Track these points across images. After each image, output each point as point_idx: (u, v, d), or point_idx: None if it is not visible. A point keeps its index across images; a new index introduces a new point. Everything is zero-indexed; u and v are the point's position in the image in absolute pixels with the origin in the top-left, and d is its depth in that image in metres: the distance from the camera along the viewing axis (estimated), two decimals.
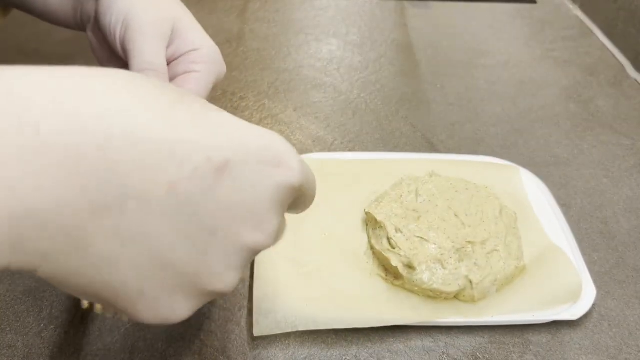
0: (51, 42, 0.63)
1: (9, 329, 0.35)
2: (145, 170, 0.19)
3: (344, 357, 0.35)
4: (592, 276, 0.39)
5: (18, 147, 0.17)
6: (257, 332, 0.35)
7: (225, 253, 0.21)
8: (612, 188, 0.49)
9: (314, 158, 0.47)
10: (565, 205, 0.46)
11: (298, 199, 0.25)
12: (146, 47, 0.33)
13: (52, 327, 0.35)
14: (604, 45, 0.70)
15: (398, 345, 0.36)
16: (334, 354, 0.35)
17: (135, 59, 0.33)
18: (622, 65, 0.66)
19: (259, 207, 0.22)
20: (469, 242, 0.38)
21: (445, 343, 0.36)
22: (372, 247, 0.40)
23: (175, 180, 0.19)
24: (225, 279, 0.22)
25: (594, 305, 0.38)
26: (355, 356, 0.35)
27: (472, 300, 0.37)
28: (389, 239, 0.39)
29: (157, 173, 0.19)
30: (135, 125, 0.19)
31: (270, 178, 0.22)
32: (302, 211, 0.28)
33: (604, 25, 0.72)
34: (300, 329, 0.35)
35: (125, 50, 0.34)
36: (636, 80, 0.64)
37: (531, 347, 0.36)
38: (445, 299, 0.37)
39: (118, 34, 0.34)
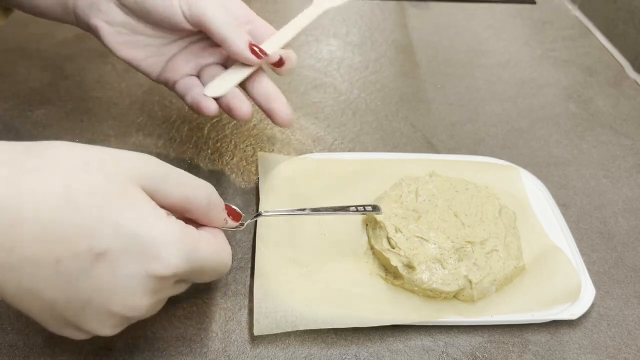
0: (52, 43, 0.63)
1: (10, 328, 0.35)
2: (41, 246, 0.25)
3: (343, 357, 0.35)
4: (591, 276, 0.40)
5: None
6: (257, 331, 0.35)
7: (97, 315, 0.27)
8: (612, 188, 0.49)
9: (314, 158, 0.47)
10: (565, 205, 0.47)
11: (189, 279, 0.30)
12: (222, 14, 0.38)
13: None
14: (603, 45, 0.70)
15: (398, 344, 0.36)
16: (334, 353, 0.35)
17: (220, 23, 0.38)
18: (622, 66, 0.66)
19: (129, 291, 0.27)
20: (469, 242, 0.38)
21: (445, 342, 0.36)
22: (372, 247, 0.40)
23: (61, 258, 0.25)
24: (101, 330, 0.28)
25: (593, 305, 0.38)
26: (355, 355, 0.35)
27: (472, 300, 0.37)
28: (388, 239, 0.39)
29: (49, 249, 0.25)
30: (44, 210, 0.25)
31: (142, 269, 0.26)
32: (208, 281, 0.32)
33: (604, 26, 0.72)
34: (300, 328, 0.35)
35: (199, 20, 0.38)
36: (635, 81, 0.64)
37: (530, 346, 0.36)
38: (445, 298, 0.37)
39: (177, 3, 0.37)
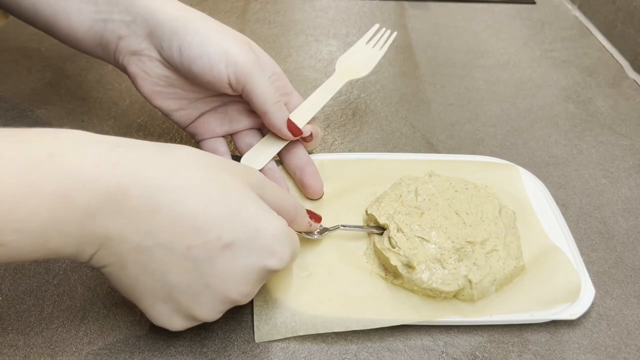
0: (52, 43, 0.63)
1: (10, 328, 0.35)
2: (175, 233, 0.28)
3: (343, 356, 0.35)
4: (590, 276, 0.40)
5: (111, 197, 0.27)
6: (258, 338, 0.35)
7: (211, 300, 0.30)
8: (611, 188, 0.49)
9: (314, 158, 0.47)
10: (564, 205, 0.47)
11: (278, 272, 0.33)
12: (267, 87, 0.40)
13: (53, 326, 0.35)
14: (602, 45, 0.71)
15: (397, 344, 0.36)
16: (334, 352, 0.35)
17: (265, 97, 0.40)
18: (621, 66, 0.66)
19: (246, 279, 0.30)
20: (469, 242, 0.38)
21: (445, 342, 0.36)
22: (374, 245, 0.40)
23: (191, 245, 0.28)
24: (208, 315, 0.31)
25: (592, 304, 0.38)
26: (355, 355, 0.35)
27: (472, 300, 0.37)
28: (389, 238, 0.39)
29: (182, 237, 0.28)
30: (178, 203, 0.28)
31: (260, 262, 0.30)
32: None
33: (603, 26, 0.73)
34: (301, 333, 0.35)
35: (244, 88, 0.40)
36: (635, 81, 0.64)
37: (530, 346, 0.36)
38: (445, 298, 0.37)
39: (225, 71, 0.39)
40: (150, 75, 0.40)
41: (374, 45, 0.51)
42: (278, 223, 0.31)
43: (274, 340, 0.35)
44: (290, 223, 0.34)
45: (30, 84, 0.57)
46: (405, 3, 0.78)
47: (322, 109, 0.56)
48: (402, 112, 0.57)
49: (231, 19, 0.71)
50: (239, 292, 0.30)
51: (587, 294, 0.38)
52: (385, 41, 0.51)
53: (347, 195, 0.44)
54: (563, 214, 0.44)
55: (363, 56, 0.50)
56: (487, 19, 0.75)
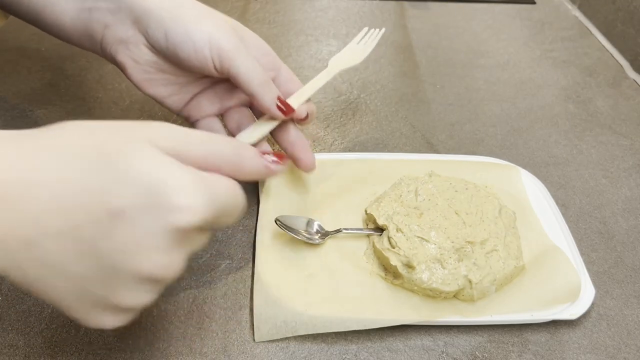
0: (52, 42, 0.63)
1: (10, 328, 0.35)
2: (58, 215, 0.24)
3: (343, 356, 0.35)
4: (590, 276, 0.40)
5: None
6: (258, 337, 0.35)
7: (126, 281, 0.26)
8: (611, 188, 0.49)
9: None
10: (564, 205, 0.47)
11: (214, 226, 0.28)
12: (251, 69, 0.39)
13: (53, 326, 0.35)
14: (602, 45, 0.71)
15: (397, 344, 0.36)
16: (334, 352, 0.35)
17: (249, 78, 0.39)
18: (621, 66, 0.66)
19: (154, 246, 0.25)
20: (469, 242, 0.38)
21: (445, 342, 0.36)
22: (373, 246, 0.40)
23: (79, 224, 0.24)
24: (132, 300, 0.26)
25: (592, 304, 0.38)
26: (355, 355, 0.35)
27: (472, 300, 0.37)
28: (389, 238, 0.39)
29: (67, 217, 0.24)
30: (56, 179, 0.24)
31: (163, 221, 0.25)
32: (225, 227, 0.32)
33: (603, 26, 0.73)
34: (301, 333, 0.35)
35: (228, 72, 0.39)
36: (635, 81, 0.64)
37: (530, 346, 0.36)
38: (445, 298, 0.37)
39: (209, 55, 0.38)
40: (139, 62, 0.40)
41: (366, 42, 0.51)
42: (180, 173, 0.26)
43: (274, 340, 0.35)
44: (236, 173, 0.30)
45: (30, 84, 0.57)
46: (405, 3, 0.78)
47: (322, 109, 0.56)
48: (402, 112, 0.57)
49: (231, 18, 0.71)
50: (153, 262, 0.26)
51: (587, 294, 0.38)
52: (376, 35, 0.51)
53: (347, 195, 0.44)
54: (563, 214, 0.44)
55: (354, 51, 0.50)
56: (487, 19, 0.75)
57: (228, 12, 0.72)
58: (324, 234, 0.40)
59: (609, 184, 0.49)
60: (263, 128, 0.43)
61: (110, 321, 0.27)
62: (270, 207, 0.42)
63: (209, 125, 0.44)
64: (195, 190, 0.26)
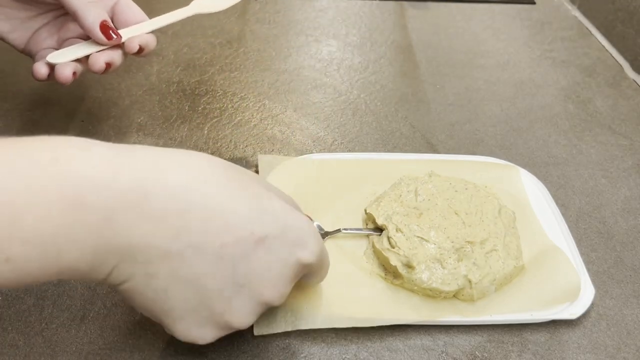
0: None
1: (10, 328, 0.35)
2: (206, 232, 0.26)
3: (343, 356, 0.35)
4: (590, 276, 0.40)
5: (130, 201, 0.24)
6: (257, 331, 0.35)
7: (247, 302, 0.28)
8: (610, 188, 0.49)
9: (314, 158, 0.47)
10: (564, 205, 0.47)
11: (310, 273, 0.32)
12: None
13: (53, 326, 0.35)
14: (602, 45, 0.71)
15: (397, 344, 0.36)
16: (334, 352, 0.35)
17: (84, 19, 0.38)
18: (621, 66, 0.66)
19: (280, 275, 0.29)
20: (468, 241, 0.38)
21: (444, 342, 0.36)
22: (373, 246, 0.40)
23: (225, 243, 0.27)
24: (242, 321, 0.29)
25: (592, 304, 0.38)
26: (355, 355, 0.35)
27: (471, 300, 0.37)
28: (389, 238, 0.39)
29: (214, 235, 0.26)
30: (209, 199, 0.26)
31: (294, 255, 0.29)
32: (315, 284, 0.36)
33: (603, 26, 0.73)
34: (300, 327, 0.35)
35: None
36: (634, 81, 0.64)
37: (529, 346, 0.36)
38: (445, 298, 0.37)
39: None
40: None
41: None
42: (303, 217, 0.30)
43: (274, 340, 0.35)
44: None
45: (30, 84, 0.57)
46: (405, 3, 0.78)
47: (322, 109, 0.57)
48: (402, 112, 0.57)
49: (231, 19, 0.71)
50: (275, 289, 0.29)
51: (586, 294, 0.38)
52: None
53: (347, 195, 0.44)
54: (563, 214, 0.44)
55: None
56: (487, 19, 0.76)
57: (228, 12, 0.72)
58: (323, 234, 0.40)
59: (608, 184, 0.49)
60: (82, 50, 0.40)
61: (209, 337, 0.29)
62: None
63: (45, 54, 0.42)
64: (316, 237, 0.30)
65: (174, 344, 0.35)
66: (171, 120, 0.53)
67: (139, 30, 0.42)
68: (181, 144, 0.51)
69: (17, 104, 0.54)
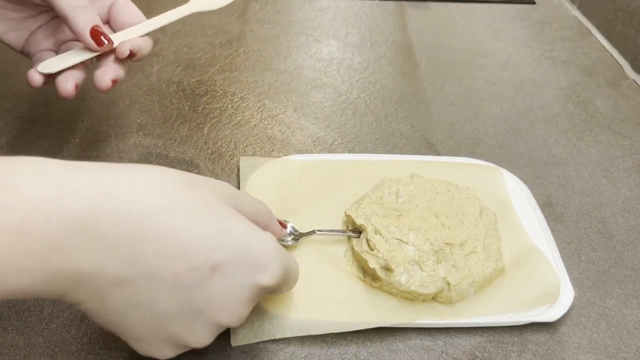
0: None
1: (10, 328, 0.35)
2: (161, 260, 0.26)
3: (343, 356, 0.35)
4: (590, 275, 0.40)
5: (81, 228, 0.24)
6: (234, 342, 0.35)
7: (204, 326, 0.28)
8: (610, 188, 0.49)
9: (296, 160, 0.47)
10: (564, 205, 0.47)
11: (274, 290, 0.32)
12: None
13: (53, 326, 0.35)
14: (602, 45, 0.71)
15: (397, 344, 0.36)
16: (334, 352, 0.35)
17: (63, 2, 0.37)
18: (621, 66, 0.66)
19: (238, 300, 0.28)
20: (447, 243, 0.38)
21: (444, 342, 0.36)
22: (352, 248, 0.40)
23: (179, 271, 0.26)
24: (200, 342, 0.29)
25: (592, 304, 0.38)
26: (355, 355, 0.35)
27: (450, 302, 0.37)
28: (367, 241, 0.39)
29: (169, 263, 0.26)
30: (163, 225, 0.26)
31: (252, 280, 0.28)
32: (281, 294, 0.35)
33: (603, 26, 0.73)
34: (278, 336, 0.35)
35: None
36: (634, 81, 0.64)
37: (529, 345, 0.36)
38: (424, 300, 0.37)
39: None
40: None
41: None
42: (265, 238, 0.29)
43: (274, 341, 0.35)
44: (264, 229, 0.32)
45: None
46: (405, 3, 0.78)
47: (322, 109, 0.57)
48: (402, 112, 0.57)
49: (231, 19, 0.71)
50: (233, 313, 0.28)
51: (566, 296, 0.38)
52: None
53: (329, 197, 0.44)
54: (563, 213, 0.44)
55: None
56: (486, 19, 0.76)
57: (228, 12, 0.72)
58: (298, 236, 0.40)
59: (608, 184, 0.49)
60: (73, 57, 0.39)
61: (168, 354, 0.29)
62: None
63: (43, 57, 0.41)
64: (277, 256, 0.29)
65: None
66: (171, 120, 0.53)
67: (133, 33, 0.41)
68: (181, 144, 0.51)
69: (17, 104, 0.54)
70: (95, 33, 0.38)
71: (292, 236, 0.40)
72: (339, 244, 0.41)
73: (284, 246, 0.40)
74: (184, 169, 0.48)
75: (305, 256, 0.40)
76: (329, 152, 0.51)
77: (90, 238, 0.24)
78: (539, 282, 0.38)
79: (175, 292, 0.26)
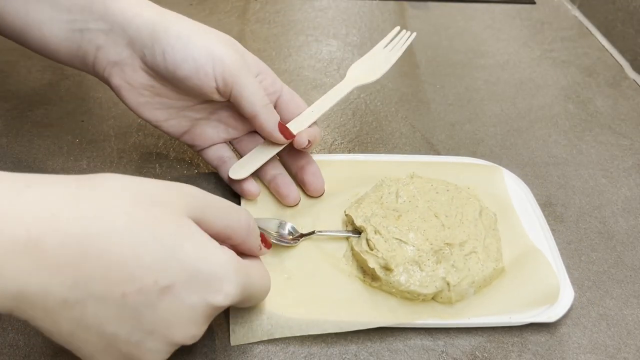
0: None
1: (10, 328, 0.35)
2: (107, 282, 0.25)
3: (343, 356, 0.35)
4: (591, 275, 0.40)
5: (20, 249, 0.23)
6: (234, 341, 0.35)
7: (156, 345, 0.28)
8: (611, 188, 0.49)
9: None
10: (564, 205, 0.47)
11: (238, 304, 0.31)
12: (255, 89, 0.38)
13: None
14: (602, 45, 0.71)
15: (397, 344, 0.36)
16: (334, 352, 0.35)
17: (254, 100, 0.39)
18: (621, 66, 0.66)
19: (191, 320, 0.28)
20: (447, 244, 0.38)
21: (445, 342, 0.36)
22: (352, 248, 0.40)
23: (127, 292, 0.25)
24: (153, 359, 0.28)
25: (592, 304, 0.38)
26: (355, 355, 0.35)
27: (450, 302, 0.37)
28: (367, 241, 0.39)
29: (115, 285, 0.25)
30: (109, 246, 0.25)
31: (204, 300, 0.27)
32: (248, 306, 0.35)
33: (603, 26, 0.73)
34: (277, 336, 0.35)
35: (232, 91, 0.38)
36: (634, 81, 0.64)
37: (530, 346, 0.36)
38: (423, 300, 0.37)
39: (212, 73, 0.37)
40: (134, 86, 0.39)
41: (392, 49, 0.47)
42: (220, 257, 0.28)
43: (274, 340, 0.35)
44: (241, 245, 0.32)
45: (30, 84, 0.57)
46: (405, 3, 0.78)
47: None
48: (402, 112, 0.57)
49: (231, 19, 0.71)
50: (185, 333, 0.28)
51: (566, 296, 0.37)
52: (404, 43, 0.47)
53: (327, 197, 0.44)
54: (563, 213, 0.44)
55: (376, 60, 0.46)
56: (486, 19, 0.76)
57: (228, 12, 0.72)
58: (298, 236, 0.40)
59: (608, 183, 0.49)
60: (258, 158, 0.42)
61: None
62: (251, 209, 0.42)
63: (219, 153, 0.44)
64: (233, 275, 0.28)
65: None
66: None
67: (305, 121, 0.42)
68: (181, 144, 0.51)
69: (17, 104, 0.54)
70: (283, 128, 0.40)
71: (292, 236, 0.40)
72: (339, 244, 0.41)
73: (285, 247, 0.40)
74: (184, 169, 0.48)
75: (304, 256, 0.40)
76: (329, 152, 0.51)
77: (30, 260, 0.23)
78: (539, 282, 0.38)
79: (125, 314, 0.26)
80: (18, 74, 0.58)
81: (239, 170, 0.42)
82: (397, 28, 0.48)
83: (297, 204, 0.43)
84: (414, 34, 0.47)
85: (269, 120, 0.39)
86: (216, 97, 0.39)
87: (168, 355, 0.29)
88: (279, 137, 0.40)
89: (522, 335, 0.37)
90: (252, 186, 0.43)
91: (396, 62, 0.47)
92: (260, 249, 0.34)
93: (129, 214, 0.26)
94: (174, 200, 0.28)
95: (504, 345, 0.36)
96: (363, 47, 0.68)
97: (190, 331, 0.28)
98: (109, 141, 0.50)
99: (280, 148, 0.42)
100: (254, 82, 0.39)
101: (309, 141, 0.41)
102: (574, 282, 0.39)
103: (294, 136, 0.41)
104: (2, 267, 0.23)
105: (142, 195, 0.27)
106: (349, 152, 0.51)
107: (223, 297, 0.28)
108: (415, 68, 0.64)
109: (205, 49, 0.37)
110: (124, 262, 0.25)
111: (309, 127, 0.42)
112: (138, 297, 0.26)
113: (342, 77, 0.62)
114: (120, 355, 0.27)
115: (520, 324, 0.37)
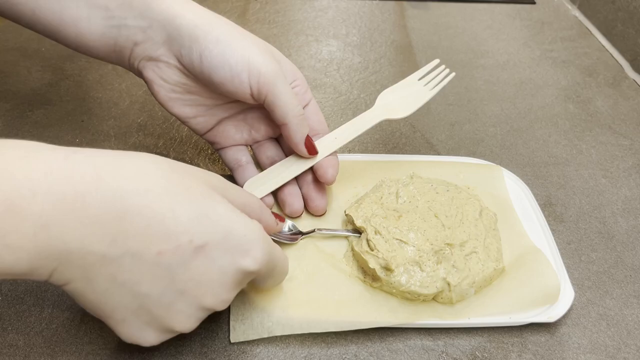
0: (52, 43, 0.63)
1: (10, 328, 0.35)
2: (144, 239, 0.26)
3: (343, 356, 0.35)
4: (590, 275, 0.40)
5: (67, 207, 0.25)
6: (233, 338, 0.35)
7: (187, 308, 0.29)
8: (611, 188, 0.49)
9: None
10: (564, 205, 0.47)
11: (260, 279, 0.32)
12: (290, 99, 0.38)
13: (53, 326, 0.35)
14: (602, 45, 0.71)
15: (397, 344, 0.36)
16: (334, 352, 0.35)
17: (286, 109, 0.38)
18: (621, 66, 0.66)
19: (221, 282, 0.29)
20: (448, 244, 0.38)
21: (445, 342, 0.36)
22: (352, 249, 0.40)
23: (162, 251, 0.27)
24: (184, 326, 0.29)
25: (592, 304, 0.38)
26: (355, 355, 0.35)
27: (450, 302, 0.37)
28: (368, 241, 0.39)
29: (152, 242, 0.26)
30: (147, 205, 0.26)
31: (235, 263, 0.29)
32: (270, 288, 0.36)
33: (603, 26, 0.73)
34: (277, 334, 0.35)
35: (266, 99, 0.38)
36: (634, 81, 0.64)
37: (530, 346, 0.36)
38: (424, 301, 0.37)
39: (247, 81, 0.37)
40: (167, 82, 0.39)
41: (426, 84, 0.45)
42: (249, 223, 0.29)
43: (275, 340, 0.35)
44: (258, 221, 0.33)
45: (30, 84, 0.57)
46: (405, 3, 0.78)
47: (322, 109, 0.56)
48: None
49: (231, 19, 0.70)
50: (215, 296, 0.29)
51: (566, 296, 0.37)
52: (441, 80, 0.45)
53: (329, 197, 0.44)
54: (563, 214, 0.44)
55: (409, 93, 0.45)
56: (486, 19, 0.76)
57: (228, 12, 0.72)
58: (298, 233, 0.40)
59: (608, 184, 0.49)
60: (284, 174, 0.42)
61: (152, 339, 0.30)
62: None
63: (237, 156, 0.43)
64: (261, 242, 0.29)
65: (174, 344, 0.35)
66: (171, 120, 0.53)
67: (327, 148, 0.42)
68: (181, 144, 0.51)
69: (17, 104, 0.54)
70: (309, 144, 0.40)
71: (291, 233, 0.40)
72: (339, 244, 0.41)
73: (284, 244, 0.40)
74: None
75: (305, 257, 0.40)
76: None
77: (75, 216, 0.25)
78: (539, 282, 0.38)
79: (158, 273, 0.27)
80: (18, 74, 0.58)
81: (257, 186, 0.41)
82: (437, 61, 0.46)
83: (299, 216, 0.42)
84: (453, 74, 0.46)
85: (297, 132, 0.39)
86: (250, 101, 0.39)
87: (197, 323, 0.30)
88: (303, 150, 0.40)
89: (522, 335, 0.37)
90: (266, 198, 0.42)
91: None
92: (277, 224, 0.36)
93: (166, 178, 0.27)
94: (202, 175, 0.30)
95: (504, 345, 0.36)
96: (363, 47, 0.68)
97: (220, 295, 0.29)
98: (109, 141, 0.50)
99: (301, 171, 0.42)
100: (289, 91, 0.38)
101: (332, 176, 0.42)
102: (574, 282, 0.39)
103: (317, 152, 0.41)
104: (51, 223, 0.24)
105: (175, 167, 0.29)
106: (349, 152, 0.51)
107: (251, 261, 0.29)
108: (415, 68, 0.64)
109: (242, 57, 0.37)
110: (161, 220, 0.26)
111: (330, 155, 0.42)
112: (172, 255, 0.27)
113: (342, 77, 0.62)
114: (151, 318, 0.28)
115: (520, 324, 0.37)
